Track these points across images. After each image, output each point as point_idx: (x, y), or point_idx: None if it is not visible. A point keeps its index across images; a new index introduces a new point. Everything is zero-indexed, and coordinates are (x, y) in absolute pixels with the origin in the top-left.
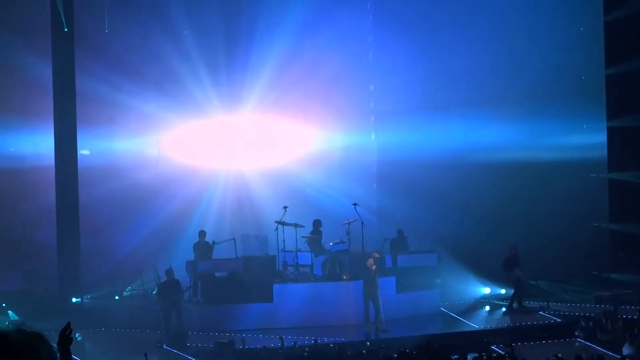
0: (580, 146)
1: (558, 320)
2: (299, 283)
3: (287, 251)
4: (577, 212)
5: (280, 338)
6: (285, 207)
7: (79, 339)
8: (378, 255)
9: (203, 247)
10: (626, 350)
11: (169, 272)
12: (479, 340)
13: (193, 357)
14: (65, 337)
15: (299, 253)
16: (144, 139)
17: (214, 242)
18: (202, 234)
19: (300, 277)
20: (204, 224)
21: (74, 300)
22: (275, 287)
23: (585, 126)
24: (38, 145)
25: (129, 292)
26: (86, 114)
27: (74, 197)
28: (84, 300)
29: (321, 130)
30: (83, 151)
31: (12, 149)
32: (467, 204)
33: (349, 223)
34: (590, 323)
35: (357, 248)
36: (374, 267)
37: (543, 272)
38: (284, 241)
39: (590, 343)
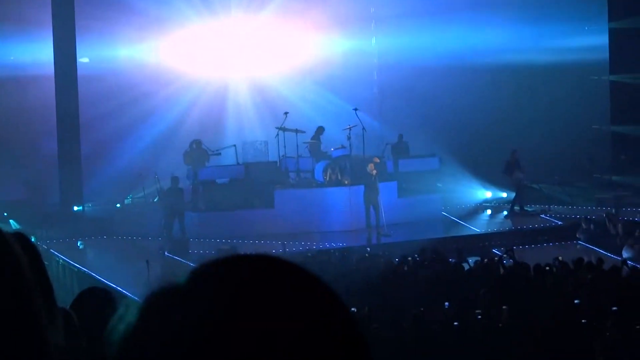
0: (582, 48)
1: (559, 223)
2: (300, 189)
3: (289, 157)
4: (578, 115)
5: (283, 244)
6: (286, 113)
7: (80, 247)
8: (379, 160)
9: (200, 154)
10: (626, 253)
11: (175, 179)
12: (480, 243)
13: (195, 264)
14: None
15: (300, 159)
16: (144, 46)
17: (213, 152)
18: (197, 142)
19: (301, 182)
20: (205, 131)
21: (75, 208)
22: (277, 192)
23: (586, 28)
24: (38, 53)
25: (130, 200)
26: (85, 20)
27: (74, 105)
28: (85, 208)
29: (321, 35)
30: (82, 59)
31: (12, 58)
32: (469, 108)
33: (350, 128)
34: (592, 226)
35: (358, 153)
36: (374, 172)
37: (544, 175)
38: (284, 147)
39: (592, 245)
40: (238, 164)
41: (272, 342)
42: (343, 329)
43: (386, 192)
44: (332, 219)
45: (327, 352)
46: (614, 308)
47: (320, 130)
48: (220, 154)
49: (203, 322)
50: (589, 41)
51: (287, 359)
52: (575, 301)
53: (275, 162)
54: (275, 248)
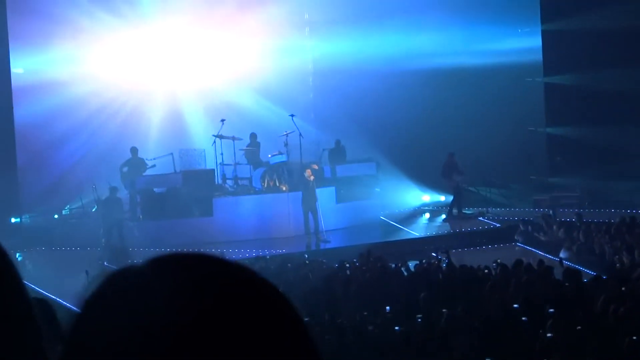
0: (516, 50)
1: (497, 225)
2: (238, 196)
3: (226, 164)
4: (514, 117)
5: (222, 252)
6: (222, 120)
7: (19, 259)
8: (317, 167)
9: (137, 163)
10: (563, 253)
11: (113, 189)
12: (419, 247)
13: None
14: None
15: (237, 166)
16: (78, 55)
17: (148, 165)
18: (134, 150)
19: (239, 190)
20: (143, 140)
21: (12, 220)
22: (215, 200)
23: (520, 30)
24: None
25: (68, 211)
26: (19, 31)
27: (9, 116)
28: (23, 219)
29: (256, 42)
30: (17, 70)
31: None
32: (405, 111)
33: (287, 134)
34: (529, 227)
35: (296, 159)
36: (312, 178)
37: (482, 178)
38: (222, 154)
39: (530, 247)
40: (175, 172)
41: (222, 340)
42: (292, 332)
43: (324, 198)
44: (271, 226)
45: (276, 353)
46: (551, 310)
47: (254, 136)
48: (155, 165)
49: (157, 307)
50: (523, 43)
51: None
52: (515, 305)
53: (213, 170)
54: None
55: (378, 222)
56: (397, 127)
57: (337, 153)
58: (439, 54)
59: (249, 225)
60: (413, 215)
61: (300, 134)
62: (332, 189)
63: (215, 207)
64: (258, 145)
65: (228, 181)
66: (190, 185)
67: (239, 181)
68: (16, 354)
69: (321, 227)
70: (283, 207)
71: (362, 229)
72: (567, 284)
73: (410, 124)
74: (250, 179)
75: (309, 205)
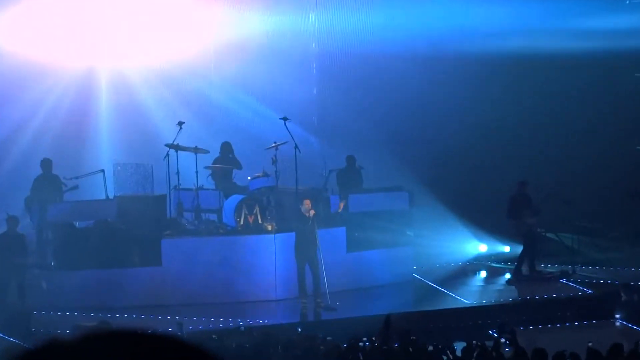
0: (619, 31)
1: (588, 291)
2: (200, 237)
3: (184, 189)
4: (613, 131)
5: (179, 324)
6: (180, 123)
7: None
8: (316, 200)
9: (50, 182)
10: None
11: (12, 220)
12: (470, 322)
13: (41, 346)
14: None
15: (200, 192)
16: None
17: (68, 187)
18: (46, 163)
19: (202, 228)
20: (59, 147)
21: None
22: (165, 243)
23: (628, 1)
24: None
25: None
26: None
27: None
28: None
29: (237, 10)
30: None
31: None
32: (451, 115)
33: (277, 146)
34: (636, 296)
35: (288, 184)
36: (311, 212)
37: (566, 220)
38: (177, 174)
39: (636, 325)
40: (108, 198)
41: None
42: None
43: (330, 244)
44: (249, 283)
45: None
46: None
47: (226, 147)
48: (77, 186)
49: None
50: (631, 20)
51: None
52: None
53: (164, 195)
54: (165, 326)
55: (409, 282)
56: (440, 140)
57: (350, 176)
58: (501, 33)
59: (215, 282)
60: (462, 273)
61: (296, 146)
62: (342, 230)
63: (166, 252)
64: (233, 161)
65: (186, 214)
66: (130, 219)
67: (203, 214)
68: None
69: (323, 287)
70: (267, 255)
71: (384, 291)
72: None
73: (458, 134)
74: (219, 212)
75: (307, 253)
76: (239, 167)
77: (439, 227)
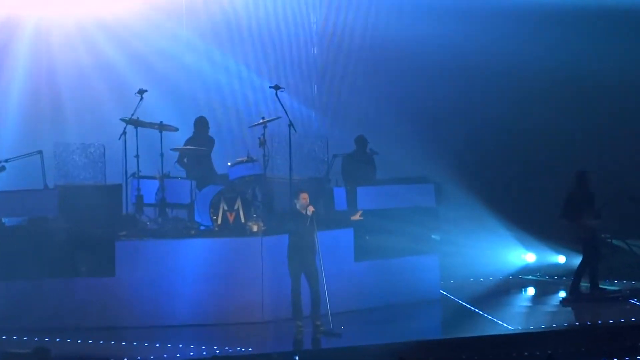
0: None
1: None
2: (165, 239)
3: (145, 177)
4: None
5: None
6: (141, 92)
7: None
8: (315, 193)
9: None
10: None
11: None
12: (513, 352)
13: None
14: None
15: (166, 181)
16: None
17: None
18: None
19: (168, 227)
20: None
21: None
22: (120, 246)
23: None
24: None
25: None
26: None
27: None
28: None
29: None
30: None
31: None
32: (488, 84)
33: (265, 123)
34: None
35: (280, 173)
36: (310, 209)
37: (635, 224)
38: (137, 158)
39: None
40: (47, 188)
41: None
42: None
43: (333, 250)
44: (228, 300)
45: None
46: None
47: (201, 124)
48: (4, 168)
49: None
50: None
51: None
52: None
53: (119, 185)
54: (118, 354)
55: (435, 301)
56: (475, 117)
57: (360, 163)
58: None
59: (184, 298)
60: (503, 290)
61: (290, 124)
62: (349, 233)
63: (121, 258)
64: (209, 142)
65: (147, 210)
66: (75, 215)
67: (169, 210)
68: None
69: (324, 306)
70: (252, 264)
71: (402, 313)
72: None
73: (499, 109)
74: (190, 207)
75: (303, 262)
76: (210, 148)
77: (474, 229)
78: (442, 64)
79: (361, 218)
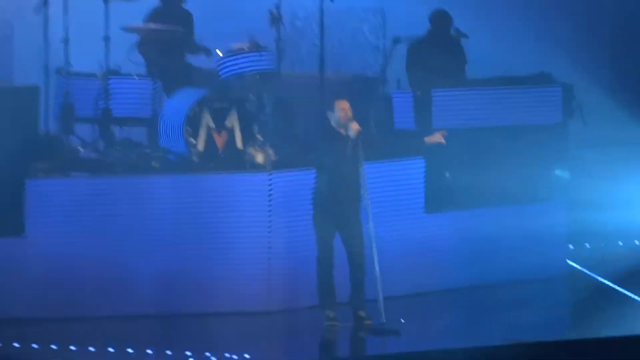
0: None
1: None
2: (109, 177)
3: (79, 75)
4: None
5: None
6: None
7: None
8: (363, 103)
9: None
10: None
11: None
12: None
13: None
14: None
15: (113, 82)
16: None
17: None
18: None
19: (115, 157)
20: None
21: None
22: (33, 187)
23: None
24: None
25: None
26: None
27: None
28: None
29: None
30: None
31: None
32: None
33: None
34: None
35: (302, 69)
36: (354, 127)
37: None
38: (66, 42)
39: None
40: None
41: None
42: None
43: (391, 195)
44: (213, 277)
45: None
46: None
47: None
48: None
49: None
50: None
51: None
52: None
53: (37, 88)
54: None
55: (559, 277)
56: None
57: (439, 51)
58: None
59: (140, 275)
60: None
61: None
62: (418, 164)
63: (35, 207)
64: (185, 17)
65: (81, 127)
66: None
67: (118, 129)
68: None
69: (373, 287)
70: (253, 217)
71: (505, 297)
72: None
73: None
74: (152, 124)
75: (339, 215)
76: (187, 27)
77: (620, 164)
78: None
79: (442, 141)
